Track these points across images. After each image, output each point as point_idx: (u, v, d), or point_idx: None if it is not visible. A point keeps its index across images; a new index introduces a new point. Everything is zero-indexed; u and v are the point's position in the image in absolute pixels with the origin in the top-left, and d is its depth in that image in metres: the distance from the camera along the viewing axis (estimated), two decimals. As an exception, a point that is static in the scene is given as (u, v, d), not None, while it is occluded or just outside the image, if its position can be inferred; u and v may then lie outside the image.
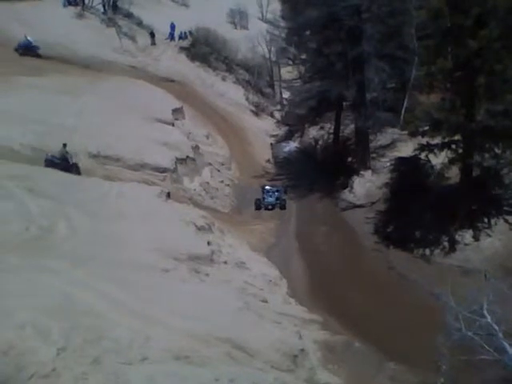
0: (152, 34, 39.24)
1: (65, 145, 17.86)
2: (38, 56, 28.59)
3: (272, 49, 43.97)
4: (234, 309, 11.05)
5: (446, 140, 17.47)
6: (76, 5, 38.30)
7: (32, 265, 10.22)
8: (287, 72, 42.24)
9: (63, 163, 17.38)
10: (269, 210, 23.65)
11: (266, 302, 13.34)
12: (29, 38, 28.15)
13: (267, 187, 25.08)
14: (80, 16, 36.89)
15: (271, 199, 24.05)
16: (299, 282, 17.03)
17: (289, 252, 19.52)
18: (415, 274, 16.58)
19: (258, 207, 23.83)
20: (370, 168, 23.51)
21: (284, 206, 23.87)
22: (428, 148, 18.06)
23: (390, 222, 19.87)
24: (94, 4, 39.00)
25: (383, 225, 19.97)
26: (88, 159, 19.28)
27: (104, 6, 38.94)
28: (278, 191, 24.48)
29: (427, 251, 17.84)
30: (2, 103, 20.11)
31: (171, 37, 41.75)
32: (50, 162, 17.19)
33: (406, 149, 21.64)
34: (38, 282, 9.42)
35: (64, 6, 37.90)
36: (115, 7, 39.92)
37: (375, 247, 19.08)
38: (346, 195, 23.21)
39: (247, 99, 38.69)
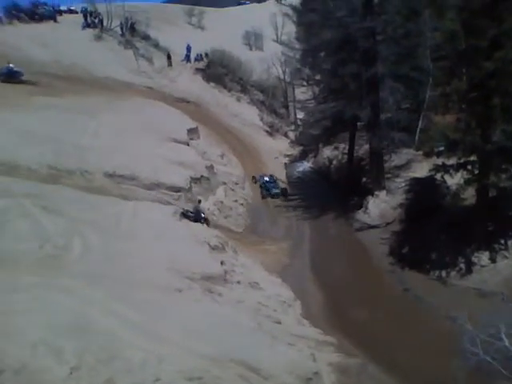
0: (168, 56, 39.97)
1: (200, 201, 21.04)
2: (22, 82, 27.22)
3: (286, 70, 44.46)
4: (247, 330, 10.96)
5: (462, 161, 17.31)
6: (95, 27, 39.32)
7: (46, 283, 10.27)
8: (301, 93, 42.48)
9: (196, 216, 19.37)
10: (274, 198, 26.99)
11: (280, 323, 13.20)
12: (11, 64, 27.03)
13: (266, 178, 28.48)
14: (98, 38, 37.79)
15: (277, 190, 27.46)
16: (313, 304, 16.82)
17: (302, 273, 19.34)
18: (431, 296, 16.41)
19: (264, 197, 27.16)
20: (384, 188, 23.35)
21: (287, 193, 27.54)
22: (443, 169, 17.89)
23: (405, 243, 19.62)
24: (112, 26, 39.88)
25: (398, 246, 19.72)
26: (104, 178, 19.47)
27: (122, 29, 39.83)
28: (274, 181, 28.27)
29: (443, 273, 17.52)
30: (22, 122, 20.52)
31: (187, 58, 42.48)
32: (185, 215, 19.19)
33: (421, 169, 21.50)
34: (51, 300, 9.45)
35: (83, 28, 38.97)
36: (133, 29, 40.77)
37: (390, 268, 18.83)
38: (361, 216, 23.04)
39: (261, 119, 39.00)
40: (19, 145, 18.33)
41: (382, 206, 22.64)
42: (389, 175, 24.27)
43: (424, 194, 20.65)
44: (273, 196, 27.08)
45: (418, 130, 24.50)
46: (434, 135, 18.10)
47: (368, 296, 17.15)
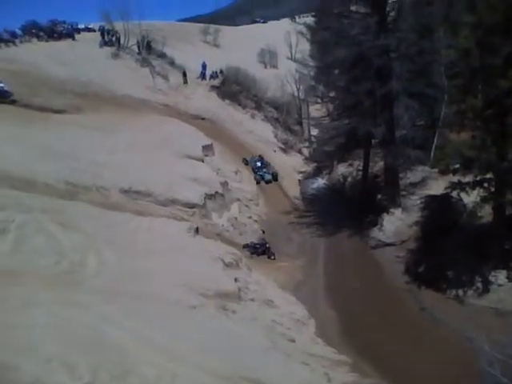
0: (184, 74, 40.50)
1: (263, 231, 22.71)
2: (13, 102, 25.64)
3: (301, 87, 44.65)
4: (261, 348, 10.88)
5: (478, 178, 17.16)
6: (112, 45, 40.06)
7: (61, 299, 10.33)
8: (315, 110, 42.64)
9: (261, 248, 21.47)
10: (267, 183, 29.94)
11: (294, 341, 13.10)
12: (1, 83, 25.84)
13: (258, 163, 31.04)
14: (115, 56, 38.46)
15: (269, 176, 30.64)
16: (327, 322, 16.68)
17: (317, 290, 19.21)
18: (448, 315, 16.19)
19: (258, 182, 29.91)
20: (399, 206, 23.17)
21: (277, 177, 30.77)
22: (459, 186, 17.73)
23: (421, 262, 19.39)
24: (129, 45, 40.57)
25: (414, 264, 19.50)
26: (119, 194, 19.67)
27: (138, 47, 40.50)
28: (266, 165, 31.04)
29: (460, 292, 17.27)
30: (40, 139, 20.89)
31: (202, 76, 42.99)
32: (249, 247, 21.61)
33: (437, 187, 21.34)
34: (66, 316, 9.50)
35: (100, 46, 39.72)
36: (149, 48, 41.42)
37: (406, 287, 18.61)
38: (376, 233, 22.86)
39: (276, 136, 39.14)
40: (37, 161, 18.62)
41: (397, 224, 22.45)
42: (404, 192, 24.10)
43: (440, 211, 20.46)
44: (266, 182, 30.24)
45: (433, 148, 24.39)
46: (449, 152, 18.00)
47: (383, 315, 16.96)
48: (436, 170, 22.53)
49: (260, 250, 21.65)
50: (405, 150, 23.19)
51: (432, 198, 21.67)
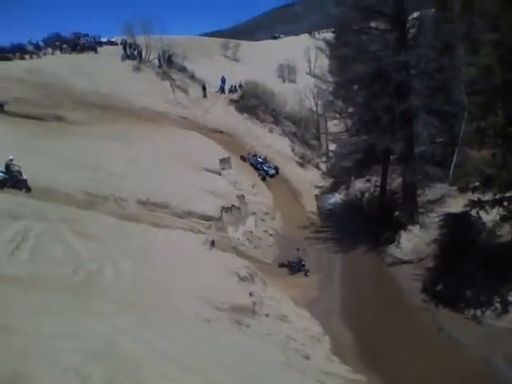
0: (204, 87, 40.91)
1: (298, 249, 22.68)
2: (3, 112, 25.29)
3: (319, 102, 44.79)
4: (275, 364, 10.77)
5: (498, 197, 16.95)
6: (133, 59, 40.70)
7: (78, 308, 10.36)
8: (334, 125, 42.67)
9: (298, 266, 21.85)
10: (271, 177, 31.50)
11: (308, 358, 12.94)
12: None
13: (259, 159, 32.38)
14: (137, 69, 39.03)
15: (273, 171, 32.27)
16: (343, 339, 16.46)
17: (332, 307, 19.02)
18: (465, 335, 15.96)
19: (263, 178, 31.13)
20: (418, 223, 22.93)
21: (278, 171, 32.54)
22: (479, 204, 17.53)
23: (439, 280, 19.11)
24: (150, 58, 41.16)
25: (432, 282, 19.23)
26: (137, 205, 19.81)
27: (159, 60, 41.07)
28: (265, 161, 32.47)
29: (478, 312, 16.97)
30: (60, 149, 21.20)
31: (222, 90, 43.35)
32: (285, 265, 21.99)
33: (456, 205, 21.09)
34: (82, 325, 9.51)
35: (122, 59, 40.39)
36: (170, 61, 41.97)
37: (423, 306, 18.34)
38: (393, 250, 22.62)
39: (293, 150, 39.22)
40: (57, 171, 18.88)
41: (415, 241, 22.20)
42: (422, 210, 23.86)
43: (459, 230, 20.18)
44: (271, 176, 31.77)
45: (452, 165, 24.17)
46: (469, 170, 17.86)
47: (400, 334, 16.70)
48: (455, 187, 22.34)
49: (296, 267, 21.85)
50: (423, 166, 23.02)
51: (451, 216, 21.41)
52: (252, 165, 32.19)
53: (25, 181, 17.17)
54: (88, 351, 8.59)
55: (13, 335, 8.19)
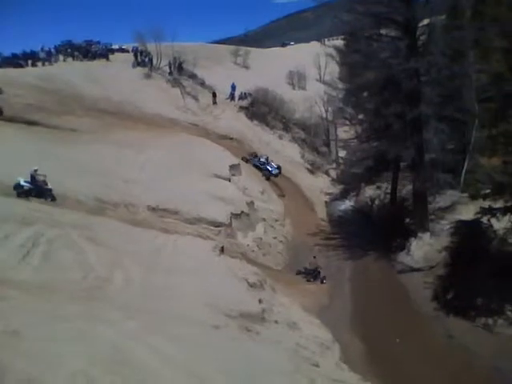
0: (214, 94, 41.08)
1: (315, 257, 22.72)
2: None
3: (329, 109, 44.83)
4: (284, 371, 10.69)
5: (509, 204, 16.81)
6: (144, 66, 41.01)
7: (87, 314, 10.39)
8: (344, 131, 42.64)
9: (313, 273, 21.80)
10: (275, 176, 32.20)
11: (318, 366, 12.82)
12: None
13: (262, 159, 32.89)
14: (147, 76, 39.32)
15: (277, 170, 32.82)
16: (353, 347, 16.33)
17: (342, 314, 18.89)
18: (476, 344, 15.80)
19: (268, 178, 31.76)
20: (428, 230, 22.77)
21: (280, 170, 33.13)
22: (490, 212, 17.39)
23: (449, 288, 18.95)
24: (160, 65, 41.45)
25: (442, 291, 19.06)
26: (147, 211, 19.89)
27: (170, 67, 41.32)
28: (268, 161, 32.77)
29: (490, 321, 16.81)
30: (72, 156, 21.37)
31: (231, 96, 43.53)
32: (301, 273, 21.98)
33: (467, 212, 20.92)
34: (91, 331, 9.54)
35: (133, 66, 40.78)
36: (180, 68, 42.22)
37: (434, 314, 18.18)
38: (403, 258, 22.47)
39: (303, 157, 39.21)
40: (68, 177, 19.06)
41: (425, 249, 22.04)
42: (433, 217, 23.71)
43: (470, 237, 20.01)
44: (275, 176, 32.35)
45: (463, 172, 24.02)
46: (480, 177, 17.75)
47: (410, 342, 16.57)
48: (466, 194, 22.18)
49: (313, 274, 21.90)
50: (434, 173, 22.93)
51: (461, 224, 21.25)
52: (255, 166, 32.34)
53: (50, 190, 17.80)
54: (97, 357, 8.61)
55: (23, 340, 8.24)
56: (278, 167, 33.25)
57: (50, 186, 17.76)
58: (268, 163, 32.92)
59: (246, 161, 32.23)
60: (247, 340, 12.18)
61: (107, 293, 12.16)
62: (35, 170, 17.56)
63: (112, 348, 9.05)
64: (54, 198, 17.84)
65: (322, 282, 21.73)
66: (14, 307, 9.50)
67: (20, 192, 17.37)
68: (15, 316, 9.06)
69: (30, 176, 17.55)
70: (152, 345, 9.47)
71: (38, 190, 17.60)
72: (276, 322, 14.65)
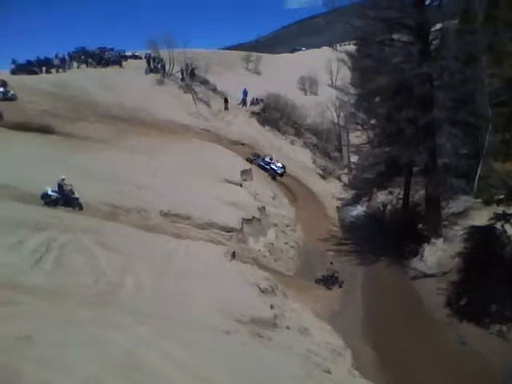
0: (225, 100, 41.24)
1: (331, 263, 22.75)
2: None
3: (341, 114, 44.73)
4: (295, 377, 10.65)
5: (523, 209, 16.64)
6: (157, 72, 41.34)
7: (99, 319, 10.44)
8: (355, 136, 42.47)
9: (331, 279, 21.88)
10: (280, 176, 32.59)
11: (330, 372, 12.75)
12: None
13: (266, 159, 33.24)
14: (160, 82, 39.63)
15: (282, 169, 33.27)
16: (364, 354, 16.23)
17: (354, 321, 18.77)
18: (490, 351, 15.64)
19: (273, 177, 32.17)
20: (441, 236, 22.58)
21: (285, 169, 33.50)
22: (504, 217, 17.22)
23: (463, 295, 18.77)
24: (173, 72, 41.74)
25: (456, 297, 18.89)
26: (159, 217, 19.98)
27: (182, 74, 41.60)
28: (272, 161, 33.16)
29: (504, 327, 16.61)
30: (86, 162, 21.57)
31: (243, 102, 43.66)
32: (321, 280, 22.04)
33: (481, 217, 20.73)
34: (103, 336, 9.57)
35: (146, 73, 41.12)
36: (192, 75, 42.48)
37: (447, 320, 18.02)
38: (416, 263, 22.30)
39: (314, 162, 39.15)
40: (82, 183, 19.18)
41: (438, 255, 21.85)
42: (446, 223, 23.50)
43: (483, 243, 19.81)
44: (280, 175, 32.86)
45: (476, 177, 23.80)
46: (493, 182, 17.61)
47: (423, 348, 16.42)
48: (479, 200, 21.97)
49: (331, 280, 21.94)
50: (447, 179, 22.73)
51: (475, 229, 21.04)
52: (260, 166, 32.44)
53: (77, 199, 18.11)
54: (108, 362, 8.64)
55: (36, 345, 8.29)
56: (283, 166, 33.64)
57: (77, 195, 18.07)
58: (273, 162, 33.19)
59: (251, 161, 32.34)
60: (258, 346, 12.15)
61: (119, 298, 12.20)
62: (62, 179, 17.81)
63: (124, 353, 9.08)
64: (81, 207, 18.12)
65: (340, 286, 21.82)
66: (27, 312, 9.57)
67: (48, 201, 17.60)
68: (28, 321, 9.13)
69: (57, 185, 17.79)
70: (164, 350, 9.48)
71: (65, 199, 17.88)
72: (287, 327, 14.59)
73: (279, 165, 33.37)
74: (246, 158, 32.02)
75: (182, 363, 9.17)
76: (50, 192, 17.66)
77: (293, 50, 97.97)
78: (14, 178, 18.12)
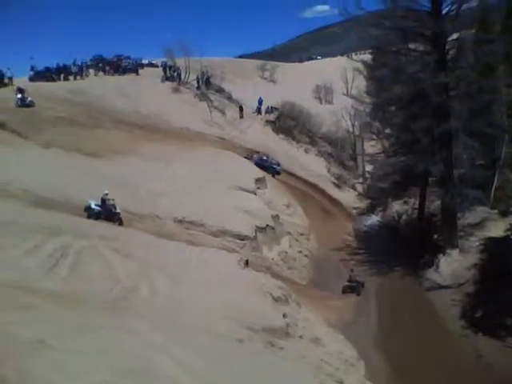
0: (241, 108, 41.38)
1: (352, 270, 23.08)
2: None
3: (356, 123, 44.58)
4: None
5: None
6: (173, 80, 41.71)
7: (113, 325, 10.50)
8: (370, 146, 42.38)
9: (357, 287, 22.14)
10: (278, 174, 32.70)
11: (342, 383, 12.68)
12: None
13: (264, 158, 33.22)
14: (176, 90, 39.98)
15: (279, 167, 33.36)
16: (377, 365, 16.07)
17: (367, 331, 18.63)
18: (506, 364, 15.35)
19: (274, 176, 32.24)
20: (457, 247, 22.34)
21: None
22: (521, 229, 17.00)
23: (478, 306, 18.51)
24: (189, 80, 42.08)
25: (471, 309, 18.63)
26: (173, 224, 20.07)
27: (198, 82, 41.91)
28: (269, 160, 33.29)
29: (520, 341, 16.33)
30: (102, 169, 21.80)
31: (258, 110, 43.76)
32: (347, 287, 22.35)
33: (497, 229, 20.51)
34: (117, 342, 9.62)
35: (162, 81, 41.53)
36: (208, 83, 42.77)
37: (462, 332, 17.77)
38: (431, 274, 22.07)
39: (329, 171, 39.01)
40: (98, 189, 19.37)
41: (454, 266, 21.61)
42: (462, 233, 23.25)
43: (499, 254, 19.58)
44: (278, 173, 32.89)
45: (493, 188, 23.56)
46: (510, 193, 17.37)
47: (437, 361, 16.19)
48: (496, 211, 21.73)
49: (356, 287, 22.14)
50: (463, 189, 22.53)
51: (491, 241, 20.82)
52: (258, 164, 32.26)
53: (118, 214, 18.44)
54: (122, 368, 8.67)
55: (49, 349, 8.35)
56: (278, 164, 33.85)
57: (118, 210, 18.40)
58: (271, 161, 33.29)
59: (249, 159, 32.42)
60: (271, 354, 12.11)
61: (133, 304, 12.27)
62: (106, 194, 18.15)
63: (137, 359, 9.11)
64: (121, 223, 18.43)
65: (362, 286, 22.26)
66: (42, 317, 9.65)
67: (90, 214, 17.97)
68: (42, 325, 9.20)
69: (100, 199, 18.14)
70: (176, 357, 9.49)
71: (107, 213, 18.19)
72: (300, 337, 14.54)
73: (277, 162, 33.56)
74: (244, 156, 32.43)
75: (194, 370, 9.17)
76: (93, 206, 18.05)
77: (308, 59, 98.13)
78: (32, 184, 18.35)
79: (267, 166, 32.54)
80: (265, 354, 11.94)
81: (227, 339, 11.71)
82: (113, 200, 18.29)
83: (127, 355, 9.21)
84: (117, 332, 10.12)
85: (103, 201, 18.16)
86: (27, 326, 9.07)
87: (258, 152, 34.32)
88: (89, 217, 17.87)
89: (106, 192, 18.20)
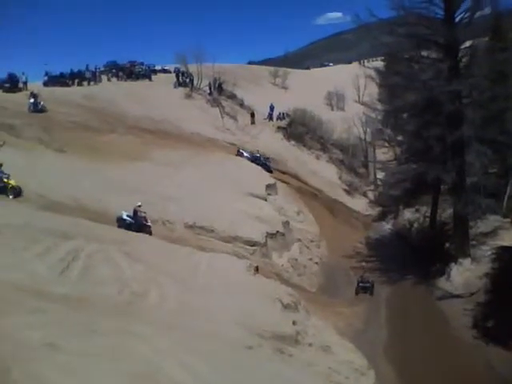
0: (252, 114, 41.51)
1: (364, 270, 23.51)
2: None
3: (367, 130, 44.48)
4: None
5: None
6: (185, 86, 41.97)
7: (122, 329, 10.49)
8: (382, 153, 42.19)
9: (370, 288, 22.56)
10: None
11: (352, 392, 12.56)
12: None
13: (256, 154, 32.81)
14: (188, 96, 40.22)
15: (270, 163, 33.11)
16: (388, 374, 15.90)
17: (377, 340, 18.44)
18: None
19: (268, 171, 31.82)
20: (469, 256, 22.12)
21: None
22: (534, 238, 16.78)
23: (490, 316, 18.30)
24: (201, 86, 42.30)
25: (483, 318, 18.42)
26: (184, 229, 20.11)
27: (210, 88, 42.11)
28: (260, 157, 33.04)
29: (533, 351, 16.08)
30: (114, 174, 21.93)
31: (270, 117, 43.83)
32: (360, 288, 22.56)
33: (509, 237, 20.32)
34: (125, 346, 9.61)
35: (175, 86, 41.80)
36: (220, 89, 42.96)
37: (473, 342, 17.55)
38: (443, 283, 21.86)
39: (340, 178, 38.96)
40: (109, 194, 19.53)
41: (466, 275, 21.39)
42: (474, 242, 23.04)
43: (512, 264, 19.35)
44: (270, 171, 32.29)
45: (506, 196, 23.35)
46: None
47: (448, 371, 16.00)
48: (509, 219, 21.51)
49: (369, 288, 22.46)
50: (476, 197, 22.36)
51: (504, 250, 20.62)
52: (250, 160, 32.23)
53: (149, 227, 18.59)
54: (130, 373, 8.67)
55: (59, 353, 8.37)
56: (268, 158, 33.80)
57: (149, 223, 18.54)
58: (264, 158, 33.20)
59: (241, 155, 32.47)
60: (280, 362, 12.04)
61: (142, 308, 12.27)
62: (139, 206, 18.28)
63: (145, 364, 9.10)
64: (151, 235, 18.47)
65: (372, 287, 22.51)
66: (52, 320, 9.68)
67: (121, 225, 18.10)
68: (52, 329, 9.22)
69: (132, 210, 18.25)
70: (185, 362, 9.48)
71: (138, 224, 18.27)
72: (310, 344, 14.42)
73: (268, 160, 33.52)
74: (235, 154, 32.45)
75: (202, 376, 9.15)
76: (124, 216, 18.19)
77: (320, 66, 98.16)
78: (45, 188, 18.52)
79: (260, 163, 32.44)
80: (274, 361, 11.87)
81: (236, 346, 11.67)
82: (144, 212, 18.38)
83: (136, 360, 9.20)
84: (126, 336, 10.12)
85: (135, 212, 18.24)
86: (37, 329, 9.10)
87: (258, 151, 34.28)
88: (120, 227, 17.94)
89: (139, 204, 18.26)
